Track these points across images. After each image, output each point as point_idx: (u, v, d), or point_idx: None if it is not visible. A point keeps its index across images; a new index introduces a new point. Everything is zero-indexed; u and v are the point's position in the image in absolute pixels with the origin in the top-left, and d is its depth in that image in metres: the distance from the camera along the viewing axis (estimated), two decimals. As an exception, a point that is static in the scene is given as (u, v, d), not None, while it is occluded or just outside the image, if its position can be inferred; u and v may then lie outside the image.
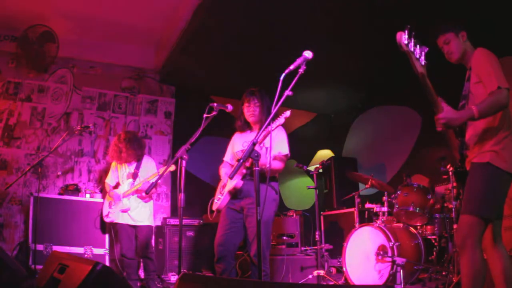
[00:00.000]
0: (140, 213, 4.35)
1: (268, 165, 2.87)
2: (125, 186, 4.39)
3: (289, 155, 3.35)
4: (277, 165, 3.27)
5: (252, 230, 3.16)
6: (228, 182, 3.27)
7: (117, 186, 4.52)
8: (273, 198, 3.23)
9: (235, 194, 3.26)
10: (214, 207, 3.34)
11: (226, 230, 3.23)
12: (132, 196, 4.36)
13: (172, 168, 3.89)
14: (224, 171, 3.47)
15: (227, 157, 3.57)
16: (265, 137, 3.04)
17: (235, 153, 3.46)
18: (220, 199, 3.29)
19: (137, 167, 4.47)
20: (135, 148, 4.39)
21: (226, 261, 3.20)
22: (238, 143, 3.47)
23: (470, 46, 2.54)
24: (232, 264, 3.23)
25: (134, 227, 4.34)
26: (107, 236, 4.91)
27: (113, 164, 4.63)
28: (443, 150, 4.36)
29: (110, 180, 4.59)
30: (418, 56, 2.10)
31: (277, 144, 3.30)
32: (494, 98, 2.25)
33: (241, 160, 2.48)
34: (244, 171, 3.19)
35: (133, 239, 4.34)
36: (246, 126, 3.47)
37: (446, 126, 2.29)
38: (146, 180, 4.24)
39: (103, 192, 5.17)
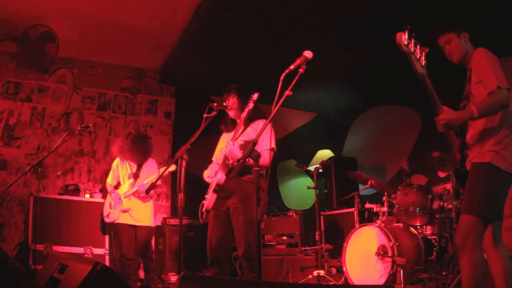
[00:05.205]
0: (141, 213, 4.34)
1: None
2: (125, 186, 4.39)
3: (275, 148, 3.06)
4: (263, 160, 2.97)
5: (239, 230, 3.13)
6: (213, 180, 3.24)
7: (118, 186, 4.51)
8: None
9: (219, 191, 3.21)
10: (204, 209, 3.30)
11: (217, 233, 3.20)
12: (133, 196, 4.36)
13: (173, 168, 3.89)
14: (206, 172, 3.41)
15: (215, 157, 3.55)
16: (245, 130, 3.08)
17: (218, 151, 3.45)
18: (207, 199, 3.27)
19: (139, 168, 4.47)
20: (141, 151, 4.42)
21: (220, 264, 3.17)
22: (222, 142, 3.46)
23: (471, 47, 2.54)
24: (227, 266, 3.19)
25: (135, 227, 4.33)
26: (107, 236, 4.91)
27: (114, 164, 4.60)
28: (442, 150, 4.35)
29: (111, 180, 4.57)
30: (418, 57, 2.11)
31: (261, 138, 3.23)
32: (493, 98, 2.26)
33: (241, 160, 2.47)
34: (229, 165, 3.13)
35: (133, 239, 4.32)
36: (232, 126, 3.45)
37: (447, 127, 2.30)
38: (146, 181, 4.24)
39: (104, 191, 5.16)
